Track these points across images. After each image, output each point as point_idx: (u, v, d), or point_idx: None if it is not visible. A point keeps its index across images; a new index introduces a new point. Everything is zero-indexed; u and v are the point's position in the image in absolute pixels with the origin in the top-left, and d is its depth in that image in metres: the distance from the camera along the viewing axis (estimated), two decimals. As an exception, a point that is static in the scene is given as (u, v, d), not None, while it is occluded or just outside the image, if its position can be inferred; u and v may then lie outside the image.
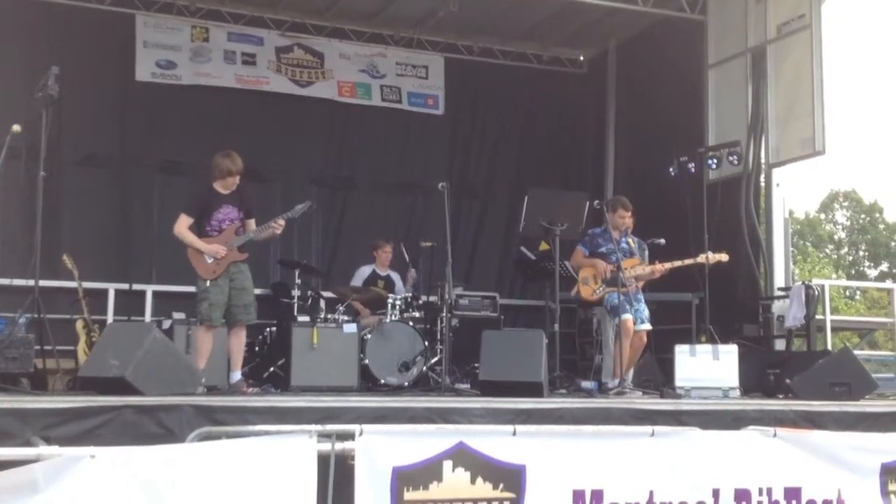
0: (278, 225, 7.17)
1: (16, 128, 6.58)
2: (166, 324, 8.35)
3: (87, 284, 8.73)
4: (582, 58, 13.08)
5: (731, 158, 9.83)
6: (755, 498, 5.16)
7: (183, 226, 6.98)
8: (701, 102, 11.01)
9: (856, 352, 8.52)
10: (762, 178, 10.67)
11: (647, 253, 8.21)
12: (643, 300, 8.03)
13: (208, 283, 6.88)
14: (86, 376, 5.98)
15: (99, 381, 5.66)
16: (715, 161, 9.80)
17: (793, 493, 5.24)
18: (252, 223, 7.18)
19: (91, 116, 10.29)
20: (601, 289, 7.90)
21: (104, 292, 9.71)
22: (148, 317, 9.73)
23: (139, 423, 4.85)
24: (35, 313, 6.68)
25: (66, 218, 10.06)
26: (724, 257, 8.17)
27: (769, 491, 5.18)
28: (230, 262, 6.95)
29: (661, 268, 7.93)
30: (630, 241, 8.08)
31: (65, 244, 9.18)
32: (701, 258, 8.09)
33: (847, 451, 5.42)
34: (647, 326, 7.89)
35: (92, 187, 10.36)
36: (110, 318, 9.55)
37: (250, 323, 7.17)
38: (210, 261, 6.91)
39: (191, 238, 6.96)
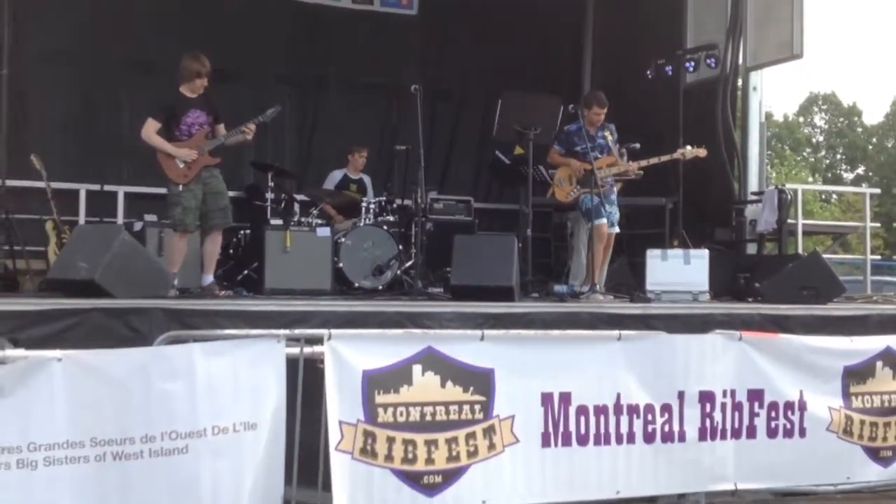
0: (249, 130, 7.08)
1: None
2: (138, 226, 8.29)
3: (57, 185, 8.63)
4: (561, -44, 12.75)
5: (708, 61, 9.77)
6: (719, 400, 5.24)
7: (151, 130, 6.87)
8: (680, 4, 10.83)
9: (828, 255, 8.63)
10: (739, 82, 10.60)
11: (625, 158, 8.15)
12: (616, 202, 8.01)
13: (181, 187, 6.82)
14: (54, 278, 5.96)
15: (68, 284, 5.65)
16: (693, 64, 9.72)
17: (756, 395, 5.33)
18: (221, 128, 7.09)
19: (56, 13, 9.98)
20: (575, 189, 7.86)
21: (75, 193, 9.58)
22: (120, 218, 9.61)
23: (108, 326, 4.86)
24: (2, 213, 6.61)
25: (33, 117, 9.82)
26: (701, 152, 8.04)
27: (733, 393, 5.27)
28: (202, 167, 6.88)
29: (634, 166, 7.88)
30: (607, 133, 7.89)
31: (32, 144, 9.00)
32: (678, 153, 8.01)
33: (810, 354, 5.50)
34: (616, 230, 7.89)
35: (59, 85, 10.09)
36: (82, 219, 9.45)
37: (227, 226, 7.13)
38: (181, 165, 6.83)
39: (160, 142, 6.85)
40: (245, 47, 10.66)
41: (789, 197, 9.50)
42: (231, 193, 9.11)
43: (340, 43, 11.32)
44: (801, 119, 48.55)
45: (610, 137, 7.90)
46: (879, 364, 5.69)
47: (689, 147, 8.01)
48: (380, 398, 4.59)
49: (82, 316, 4.86)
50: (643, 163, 7.90)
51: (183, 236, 6.87)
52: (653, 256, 7.38)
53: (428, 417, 4.67)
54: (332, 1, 11.43)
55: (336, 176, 9.66)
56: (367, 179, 9.79)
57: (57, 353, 3.93)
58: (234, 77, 10.24)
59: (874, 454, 5.68)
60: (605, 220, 7.66)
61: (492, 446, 4.79)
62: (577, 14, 12.44)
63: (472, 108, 11.78)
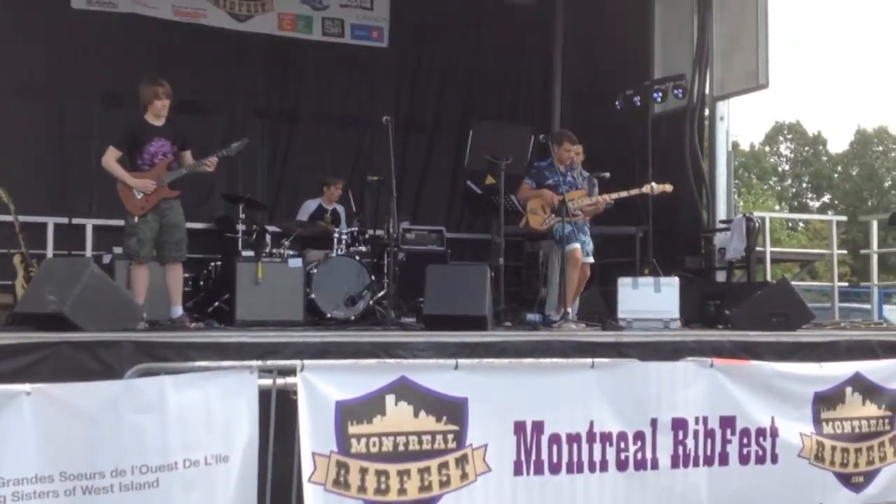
0: (211, 163, 7.00)
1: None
2: (107, 258, 8.24)
3: (25, 218, 8.56)
4: (530, -11, 12.89)
5: (675, 92, 9.87)
6: (691, 427, 5.26)
7: (111, 158, 6.80)
8: (648, 35, 10.98)
9: (796, 282, 8.70)
10: (706, 112, 10.74)
11: (596, 189, 8.24)
12: (589, 233, 8.10)
13: (136, 219, 6.76)
14: (23, 312, 5.88)
15: (36, 317, 5.58)
16: (660, 94, 9.83)
17: (728, 422, 5.35)
18: (188, 155, 7.03)
19: (25, 46, 9.96)
20: (550, 218, 7.93)
21: (43, 226, 9.52)
22: (88, 251, 9.56)
23: (77, 360, 4.81)
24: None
25: (2, 151, 9.78)
26: (668, 188, 8.21)
27: (705, 420, 5.29)
28: (160, 199, 6.83)
29: (605, 199, 7.98)
30: (576, 175, 8.11)
31: (0, 177, 8.93)
32: (645, 188, 8.12)
33: (781, 380, 5.54)
34: (590, 260, 7.99)
35: (28, 119, 10.06)
36: (50, 252, 9.37)
37: (182, 260, 7.06)
38: (139, 196, 6.77)
39: (119, 171, 6.79)
40: (217, 79, 10.71)
41: (757, 225, 9.61)
42: (202, 225, 9.14)
43: (312, 75, 11.38)
44: (767, 148, 49.15)
45: (580, 178, 8.07)
46: (849, 390, 5.74)
47: (654, 184, 8.14)
48: (353, 429, 4.56)
49: (51, 349, 4.81)
50: (613, 195, 8.00)
51: (141, 267, 6.82)
52: (624, 284, 7.41)
53: (401, 447, 4.65)
54: (303, 34, 11.49)
55: (311, 206, 9.68)
56: (340, 210, 9.81)
57: (26, 386, 3.89)
58: (207, 109, 10.27)
59: (846, 480, 5.72)
60: (577, 246, 7.72)
61: (464, 476, 4.78)
62: (547, 45, 12.58)
63: (443, 138, 11.86)
